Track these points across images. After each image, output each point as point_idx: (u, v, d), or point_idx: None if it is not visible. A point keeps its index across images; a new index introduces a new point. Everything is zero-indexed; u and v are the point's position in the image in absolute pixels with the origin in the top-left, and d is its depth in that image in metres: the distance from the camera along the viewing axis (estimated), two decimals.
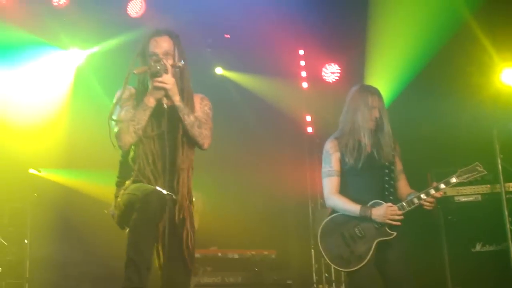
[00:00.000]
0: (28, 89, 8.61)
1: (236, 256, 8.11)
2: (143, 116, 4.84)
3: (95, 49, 8.69)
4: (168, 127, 4.87)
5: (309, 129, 9.31)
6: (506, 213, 7.31)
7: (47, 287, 7.85)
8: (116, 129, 4.87)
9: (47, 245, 8.03)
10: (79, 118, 8.30)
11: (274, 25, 8.57)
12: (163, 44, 4.97)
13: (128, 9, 8.45)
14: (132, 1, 8.44)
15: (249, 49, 9.09)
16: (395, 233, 5.54)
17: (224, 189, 8.09)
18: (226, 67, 9.33)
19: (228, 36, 9.17)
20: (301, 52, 9.52)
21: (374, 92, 5.82)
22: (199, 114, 5.03)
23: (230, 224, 8.09)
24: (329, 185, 5.77)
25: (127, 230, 4.71)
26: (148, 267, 4.60)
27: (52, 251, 8.05)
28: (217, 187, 7.81)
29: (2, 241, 7.50)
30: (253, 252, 8.16)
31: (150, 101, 4.86)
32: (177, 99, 4.84)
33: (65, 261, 8.09)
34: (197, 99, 5.10)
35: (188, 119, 4.90)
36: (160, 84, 4.80)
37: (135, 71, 4.89)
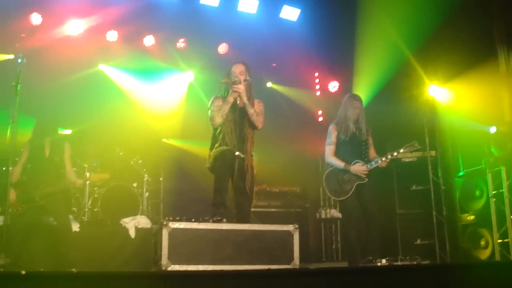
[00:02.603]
0: (162, 94, 8.66)
1: (277, 190, 8.01)
2: (226, 107, 4.96)
3: (200, 71, 8.69)
4: (239, 116, 4.98)
5: (320, 119, 9.28)
6: (430, 168, 7.38)
7: (173, 205, 7.88)
8: (210, 115, 5.03)
9: (172, 181, 8.05)
10: (191, 110, 8.32)
11: (302, 57, 8.58)
12: (240, 68, 5.12)
13: (218, 49, 8.46)
14: (221, 45, 8.43)
15: (286, 71, 9.03)
16: (367, 179, 5.68)
17: (272, 152, 7.86)
18: (274, 82, 9.23)
19: (274, 64, 9.10)
20: (316, 74, 9.45)
21: (358, 99, 5.94)
22: (256, 109, 5.08)
23: (273, 171, 7.90)
24: (329, 150, 5.87)
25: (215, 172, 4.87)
26: (226, 191, 4.78)
27: (175, 184, 8.08)
28: (268, 151, 7.48)
29: (149, 178, 7.53)
30: (286, 188, 8.07)
31: (230, 99, 4.98)
32: (245, 99, 4.97)
33: (182, 190, 8.10)
34: (256, 102, 5.15)
35: (251, 111, 5.00)
36: (236, 89, 4.95)
37: (222, 81, 5.09)
